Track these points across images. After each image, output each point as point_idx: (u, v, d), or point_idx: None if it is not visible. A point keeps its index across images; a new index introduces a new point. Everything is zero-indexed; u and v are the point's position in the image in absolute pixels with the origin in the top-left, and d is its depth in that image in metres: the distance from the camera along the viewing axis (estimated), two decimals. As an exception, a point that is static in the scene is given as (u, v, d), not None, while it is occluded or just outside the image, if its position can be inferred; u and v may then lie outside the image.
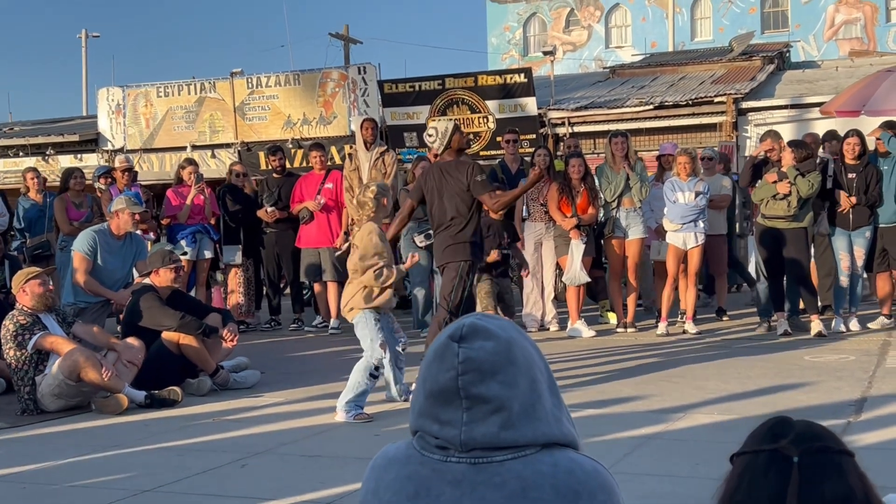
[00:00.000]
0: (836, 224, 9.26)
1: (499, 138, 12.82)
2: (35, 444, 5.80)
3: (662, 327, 9.41)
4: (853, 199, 9.08)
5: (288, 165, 15.01)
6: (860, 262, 9.24)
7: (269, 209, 10.64)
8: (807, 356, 7.92)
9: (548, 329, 9.97)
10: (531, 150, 11.71)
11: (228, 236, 10.78)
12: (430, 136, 7.23)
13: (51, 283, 7.12)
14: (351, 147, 11.34)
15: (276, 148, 11.76)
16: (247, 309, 10.92)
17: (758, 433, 1.54)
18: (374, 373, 6.16)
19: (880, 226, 9.29)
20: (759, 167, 9.83)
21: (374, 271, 6.21)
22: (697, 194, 9.27)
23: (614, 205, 9.62)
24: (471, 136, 16.64)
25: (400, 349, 6.50)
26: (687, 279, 9.48)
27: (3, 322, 6.78)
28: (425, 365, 1.64)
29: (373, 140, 10.40)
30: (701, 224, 9.32)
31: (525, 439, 1.58)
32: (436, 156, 7.64)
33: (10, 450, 5.68)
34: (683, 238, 9.34)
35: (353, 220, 8.25)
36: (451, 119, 7.62)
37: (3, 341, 6.77)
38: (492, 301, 8.92)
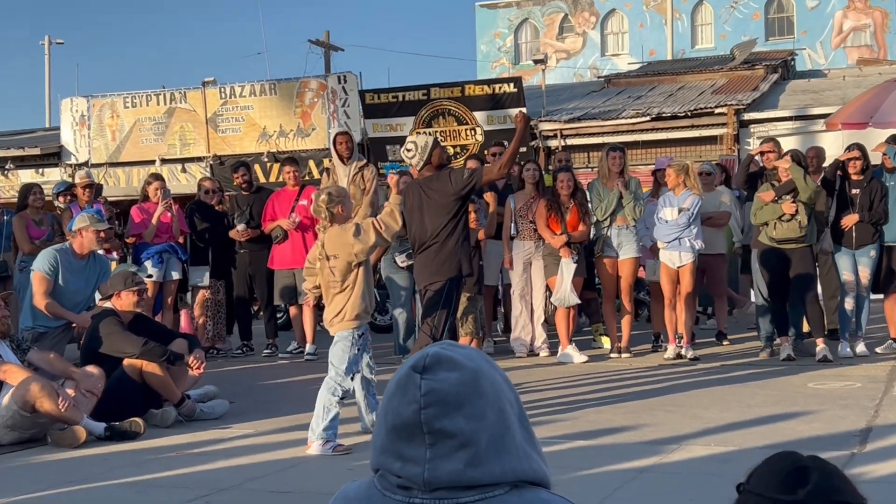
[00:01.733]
0: (840, 242, 9.30)
1: (486, 151, 12.86)
2: (-14, 480, 5.76)
3: (671, 350, 9.39)
4: (856, 216, 9.12)
5: (264, 180, 15.07)
6: (865, 283, 9.27)
7: (241, 228, 10.63)
8: (811, 383, 7.93)
9: (537, 354, 9.97)
10: (520, 163, 11.73)
11: (196, 257, 10.76)
12: (408, 150, 7.23)
13: (7, 308, 7.08)
14: (329, 161, 11.35)
15: (239, 164, 11.72)
16: (215, 334, 10.88)
17: (773, 474, 1.54)
18: (342, 396, 6.18)
19: (886, 244, 9.33)
20: (753, 176, 9.85)
21: (380, 228, 6.28)
22: (681, 211, 9.25)
23: (606, 223, 9.63)
24: (457, 150, 16.68)
25: (368, 374, 6.49)
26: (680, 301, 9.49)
27: (-46, 349, 6.74)
28: (387, 398, 1.63)
29: (349, 154, 10.42)
30: (688, 242, 9.29)
31: (493, 477, 1.56)
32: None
33: (-42, 486, 5.63)
34: (670, 256, 9.36)
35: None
36: (430, 133, 7.64)
37: (-47, 369, 6.72)
38: (474, 327, 8.89)
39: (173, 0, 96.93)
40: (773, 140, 10.01)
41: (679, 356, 9.35)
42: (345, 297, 6.26)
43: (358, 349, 6.25)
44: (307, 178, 15.94)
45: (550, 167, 13.01)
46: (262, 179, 16.85)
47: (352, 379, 6.24)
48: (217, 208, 11.09)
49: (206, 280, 10.69)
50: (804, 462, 1.55)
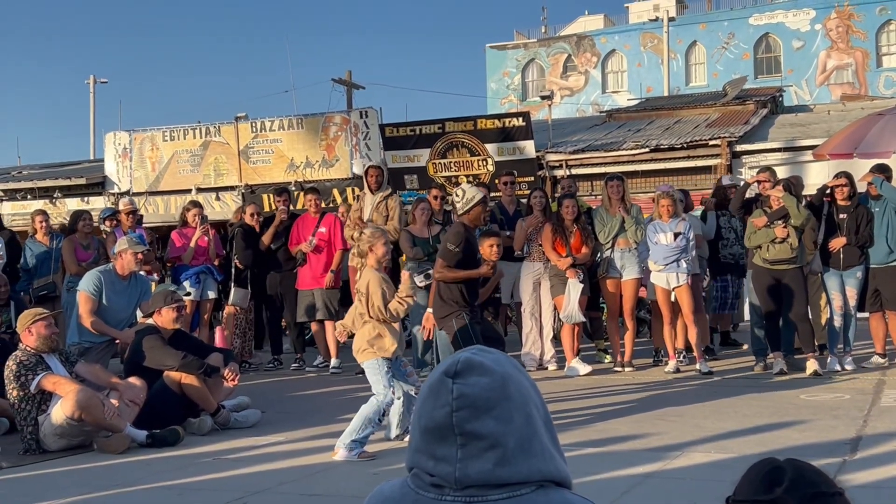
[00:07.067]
0: (828, 264, 9.26)
1: (497, 181, 12.87)
2: (37, 484, 5.75)
3: (672, 365, 9.35)
4: (843, 239, 9.09)
5: (290, 207, 15.04)
6: (853, 302, 9.22)
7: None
8: (803, 395, 7.87)
9: (546, 368, 9.92)
10: (528, 192, 11.74)
11: (238, 278, 10.73)
12: (456, 196, 7.27)
13: (56, 326, 7.09)
14: (361, 190, 11.47)
15: (282, 189, 11.84)
16: (243, 349, 10.86)
17: (752, 480, 1.54)
18: (381, 417, 6.15)
19: (872, 266, 9.28)
20: (749, 202, 9.84)
21: (391, 310, 6.20)
22: (677, 235, 9.29)
23: (608, 246, 9.61)
24: (470, 179, 16.68)
25: (413, 393, 6.42)
26: (685, 319, 9.45)
27: (7, 362, 6.76)
28: (420, 401, 1.62)
29: (377, 186, 10.59)
30: (684, 264, 9.32)
31: (520, 476, 1.55)
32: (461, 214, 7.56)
33: (12, 489, 5.63)
34: (667, 278, 9.35)
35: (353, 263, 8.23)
36: (482, 191, 7.59)
37: (6, 381, 6.74)
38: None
39: (208, 43, 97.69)
40: (769, 169, 9.99)
41: (678, 370, 9.30)
42: (367, 333, 6.23)
43: (388, 368, 6.21)
44: (331, 205, 15.98)
45: (556, 195, 13.00)
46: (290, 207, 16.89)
47: (393, 392, 6.18)
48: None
49: (247, 302, 10.69)
50: (778, 464, 1.55)
